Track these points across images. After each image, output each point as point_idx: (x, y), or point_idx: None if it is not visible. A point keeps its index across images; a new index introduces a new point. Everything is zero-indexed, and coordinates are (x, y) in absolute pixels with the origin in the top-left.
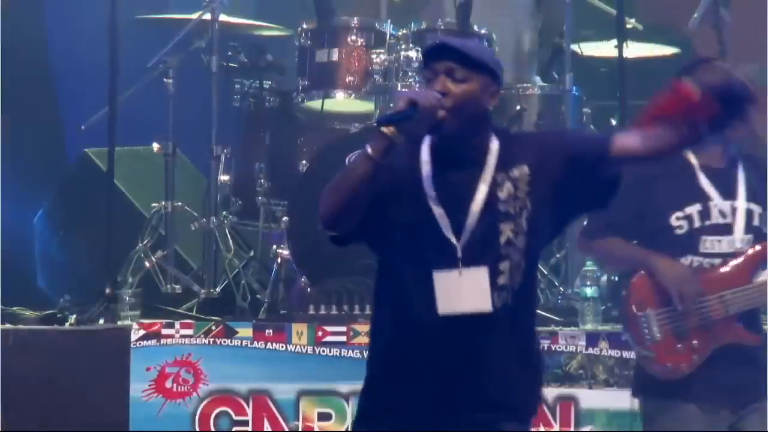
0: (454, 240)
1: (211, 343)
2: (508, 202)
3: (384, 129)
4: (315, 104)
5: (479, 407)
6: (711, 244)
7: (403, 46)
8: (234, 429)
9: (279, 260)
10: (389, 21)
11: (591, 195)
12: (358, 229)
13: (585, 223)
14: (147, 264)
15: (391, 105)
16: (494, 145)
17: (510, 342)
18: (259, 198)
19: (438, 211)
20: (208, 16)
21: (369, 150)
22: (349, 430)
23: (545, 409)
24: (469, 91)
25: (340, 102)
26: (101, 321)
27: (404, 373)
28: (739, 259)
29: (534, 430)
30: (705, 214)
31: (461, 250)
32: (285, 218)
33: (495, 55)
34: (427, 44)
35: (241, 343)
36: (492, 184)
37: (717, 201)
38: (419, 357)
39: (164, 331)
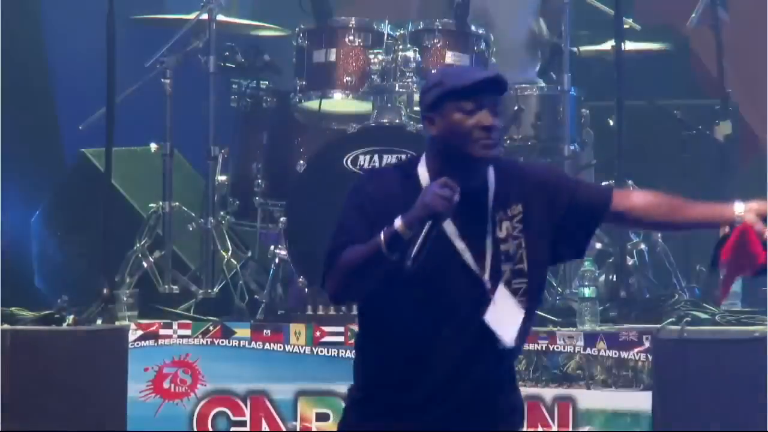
0: (478, 271)
1: (208, 343)
2: (507, 241)
3: (400, 231)
4: (312, 104)
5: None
6: None
7: (400, 47)
8: (232, 429)
9: (277, 260)
10: (387, 21)
11: (575, 244)
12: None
13: None
14: (145, 264)
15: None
16: (491, 176)
17: (506, 370)
18: (257, 198)
19: (460, 245)
20: (205, 17)
21: (384, 249)
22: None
23: (543, 409)
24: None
25: (338, 102)
26: (99, 321)
27: (400, 386)
28: None
29: (532, 430)
30: None
31: (489, 282)
32: (283, 218)
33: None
34: (467, 73)
35: (239, 344)
36: (491, 221)
37: None
38: (416, 372)
39: (162, 332)
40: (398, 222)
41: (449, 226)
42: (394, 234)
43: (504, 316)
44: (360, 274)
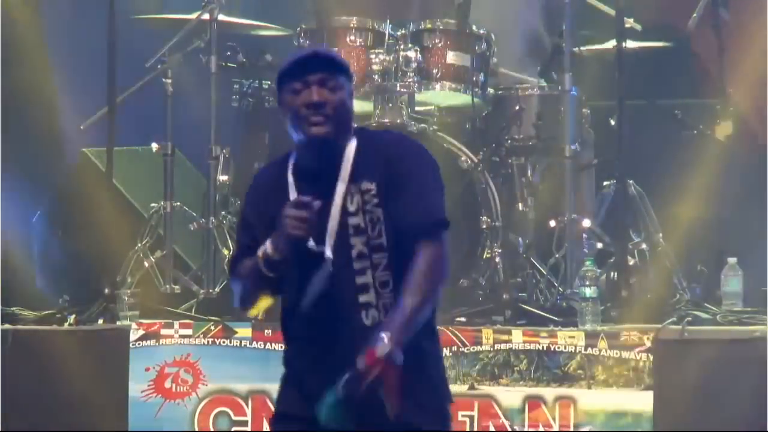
0: (316, 247)
1: (210, 343)
2: (356, 214)
3: (271, 255)
4: None
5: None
6: None
7: (401, 47)
8: (233, 429)
9: None
10: (388, 21)
11: None
12: None
13: None
14: (146, 264)
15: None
16: (351, 149)
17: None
18: None
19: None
20: (206, 16)
21: (264, 270)
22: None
23: (544, 409)
24: (342, 98)
25: None
26: (100, 321)
27: (299, 368)
28: None
29: (533, 430)
30: None
31: (331, 256)
32: None
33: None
34: (294, 56)
35: (240, 343)
36: (344, 196)
37: None
38: (307, 356)
39: (163, 332)
40: (268, 246)
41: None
42: (267, 258)
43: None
44: (251, 286)
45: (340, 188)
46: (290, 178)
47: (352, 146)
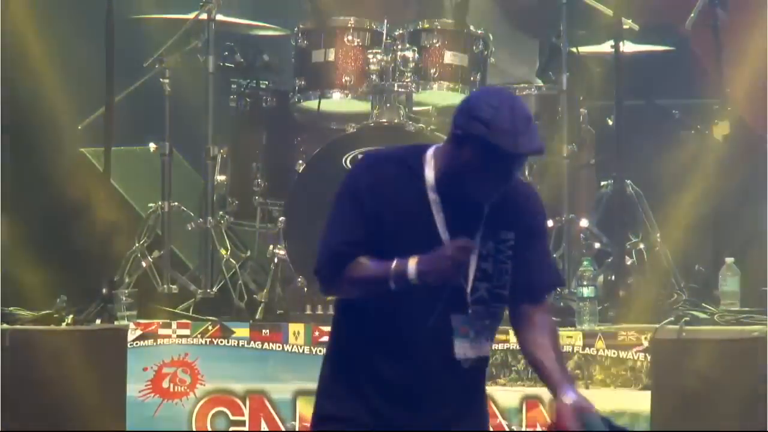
0: (463, 284)
1: (207, 343)
2: (487, 260)
3: (411, 279)
4: (312, 104)
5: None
6: None
7: (399, 46)
8: (231, 429)
9: (276, 260)
10: (386, 21)
11: None
12: None
13: None
14: (144, 264)
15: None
16: None
17: (477, 380)
18: (256, 198)
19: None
20: (204, 16)
21: (392, 285)
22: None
23: (542, 408)
24: None
25: (337, 102)
26: (98, 321)
27: (367, 381)
28: None
29: (531, 430)
30: None
31: (470, 296)
32: (282, 218)
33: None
34: (522, 147)
35: (238, 343)
36: (480, 236)
37: None
38: (395, 369)
39: (161, 331)
40: (412, 269)
41: (444, 234)
42: (405, 278)
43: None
44: (363, 290)
45: (481, 232)
46: (432, 196)
47: None
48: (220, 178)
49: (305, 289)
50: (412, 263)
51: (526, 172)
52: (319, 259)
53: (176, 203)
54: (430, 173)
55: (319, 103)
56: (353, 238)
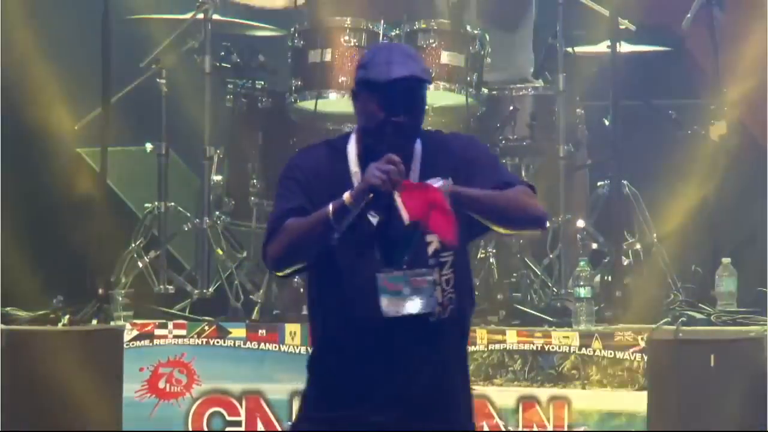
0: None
1: (204, 343)
2: None
3: (347, 203)
4: (308, 104)
5: (411, 405)
6: None
7: None
8: (227, 429)
9: None
10: (382, 21)
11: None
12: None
13: None
14: (140, 264)
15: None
16: (418, 147)
17: (445, 345)
18: (252, 198)
19: (375, 220)
20: (201, 16)
21: (332, 218)
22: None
23: (539, 409)
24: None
25: (333, 102)
26: (94, 321)
27: (348, 372)
28: None
29: (528, 430)
30: None
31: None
32: None
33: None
34: (393, 72)
35: (234, 344)
36: None
37: None
38: (362, 357)
39: (157, 332)
40: (346, 194)
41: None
42: (342, 205)
43: (413, 288)
44: (303, 240)
45: None
46: (354, 169)
47: (418, 147)
48: (217, 178)
49: (301, 289)
50: (346, 193)
51: (523, 173)
52: (265, 235)
53: (173, 203)
54: (352, 149)
55: (316, 103)
56: (293, 205)
